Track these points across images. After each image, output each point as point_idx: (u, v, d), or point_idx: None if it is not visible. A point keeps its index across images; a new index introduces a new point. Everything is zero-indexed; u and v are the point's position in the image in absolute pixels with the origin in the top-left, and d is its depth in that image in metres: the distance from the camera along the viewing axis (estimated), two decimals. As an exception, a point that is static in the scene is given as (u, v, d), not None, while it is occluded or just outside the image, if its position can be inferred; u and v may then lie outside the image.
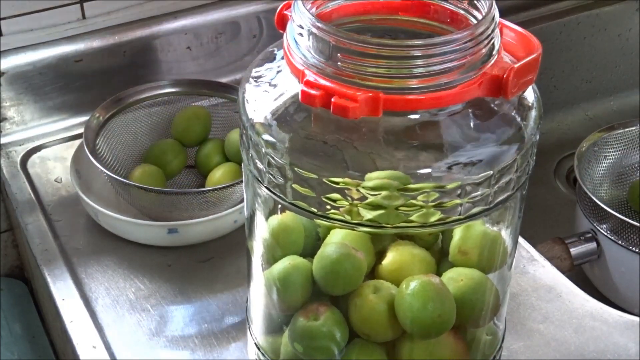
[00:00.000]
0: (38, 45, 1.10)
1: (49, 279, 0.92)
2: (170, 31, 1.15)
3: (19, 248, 1.18)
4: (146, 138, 1.04)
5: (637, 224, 1.11)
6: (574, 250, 1.16)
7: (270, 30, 1.19)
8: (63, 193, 1.03)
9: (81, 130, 1.09)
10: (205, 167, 1.02)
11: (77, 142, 1.03)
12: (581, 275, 1.21)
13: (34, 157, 1.09)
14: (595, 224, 1.16)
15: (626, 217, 1.13)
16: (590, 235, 1.17)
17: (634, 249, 1.13)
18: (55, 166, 1.07)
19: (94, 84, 1.13)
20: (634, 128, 1.28)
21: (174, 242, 0.94)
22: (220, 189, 0.92)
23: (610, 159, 1.28)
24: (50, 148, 1.10)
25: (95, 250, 0.96)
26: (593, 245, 1.17)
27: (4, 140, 1.11)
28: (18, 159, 1.08)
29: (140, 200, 0.94)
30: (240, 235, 0.96)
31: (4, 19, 1.07)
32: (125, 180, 0.93)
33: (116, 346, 0.86)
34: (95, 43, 1.12)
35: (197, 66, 1.18)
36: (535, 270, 0.94)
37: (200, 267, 0.94)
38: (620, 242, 1.14)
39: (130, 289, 0.92)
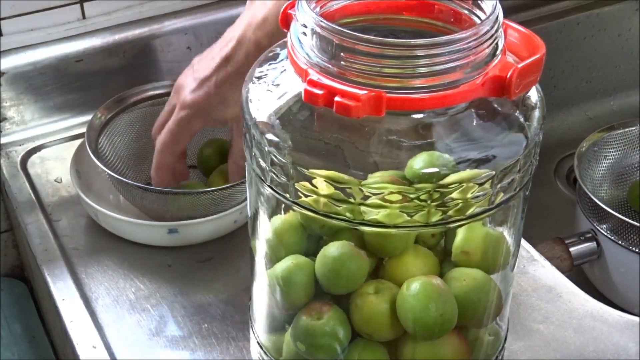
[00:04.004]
0: (38, 45, 1.10)
1: (49, 279, 0.92)
2: (170, 31, 1.15)
3: (19, 248, 1.18)
4: (148, 138, 1.04)
5: (637, 224, 1.11)
6: (574, 250, 1.16)
7: (270, 30, 1.19)
8: (63, 193, 1.03)
9: (81, 130, 1.09)
10: (208, 167, 1.02)
11: (77, 142, 1.03)
12: (581, 275, 1.21)
13: (34, 157, 1.09)
14: (595, 224, 1.16)
15: (626, 217, 1.13)
16: (590, 235, 1.17)
17: (634, 249, 1.13)
18: (55, 166, 1.07)
19: (94, 84, 1.13)
20: (634, 128, 1.28)
21: (174, 242, 0.94)
22: (222, 189, 0.92)
23: (610, 159, 1.28)
24: (50, 148, 1.10)
25: (95, 250, 0.96)
26: (593, 245, 1.17)
27: (4, 140, 1.11)
28: (18, 159, 1.08)
29: (141, 200, 0.94)
30: (241, 235, 0.96)
31: (4, 19, 1.07)
32: (126, 180, 0.93)
33: (116, 346, 0.86)
34: (95, 43, 1.12)
35: (197, 66, 1.18)
36: (535, 270, 0.94)
37: (200, 267, 0.94)
38: (620, 242, 1.14)
39: (130, 289, 0.92)
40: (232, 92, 0.87)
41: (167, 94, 1.04)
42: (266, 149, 0.64)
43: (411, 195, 0.61)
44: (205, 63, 0.88)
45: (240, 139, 0.88)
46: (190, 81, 0.89)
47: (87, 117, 1.06)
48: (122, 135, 1.02)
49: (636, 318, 0.89)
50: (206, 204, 0.93)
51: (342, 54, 0.60)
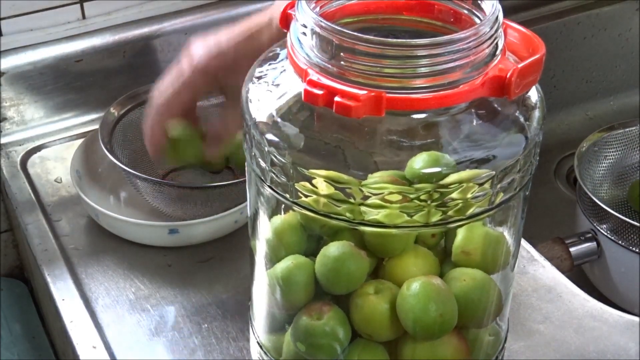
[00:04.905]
0: (38, 45, 1.10)
1: (49, 279, 0.92)
2: (170, 31, 1.15)
3: (19, 248, 1.18)
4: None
5: (637, 224, 1.12)
6: (574, 250, 1.16)
7: (270, 30, 1.19)
8: (63, 193, 1.03)
9: (81, 130, 1.10)
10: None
11: (77, 142, 1.04)
12: (581, 275, 1.21)
13: (34, 157, 1.09)
14: (595, 224, 1.16)
15: (626, 217, 1.13)
16: (590, 235, 1.17)
17: (634, 249, 1.13)
18: (55, 166, 1.07)
19: (94, 84, 1.13)
20: (634, 128, 1.28)
21: (174, 242, 0.94)
22: (220, 186, 0.92)
23: (610, 159, 1.28)
24: (50, 148, 1.10)
25: (95, 250, 0.96)
26: (593, 245, 1.17)
27: (4, 140, 1.11)
28: (18, 159, 1.08)
29: (154, 195, 0.94)
30: (241, 236, 0.96)
31: (4, 19, 1.07)
32: (141, 175, 0.93)
33: (116, 346, 0.86)
34: (95, 43, 1.12)
35: (197, 66, 1.18)
36: (535, 270, 0.94)
37: (200, 267, 0.94)
38: (620, 242, 1.14)
39: (130, 289, 0.92)
40: (247, 65, 0.82)
41: None
42: (266, 149, 0.64)
43: (411, 196, 0.61)
44: (224, 36, 0.87)
45: (232, 110, 0.85)
46: (204, 47, 0.87)
47: (87, 117, 1.06)
48: (134, 131, 1.01)
49: (636, 318, 0.89)
50: (231, 194, 0.93)
51: (342, 54, 0.60)
